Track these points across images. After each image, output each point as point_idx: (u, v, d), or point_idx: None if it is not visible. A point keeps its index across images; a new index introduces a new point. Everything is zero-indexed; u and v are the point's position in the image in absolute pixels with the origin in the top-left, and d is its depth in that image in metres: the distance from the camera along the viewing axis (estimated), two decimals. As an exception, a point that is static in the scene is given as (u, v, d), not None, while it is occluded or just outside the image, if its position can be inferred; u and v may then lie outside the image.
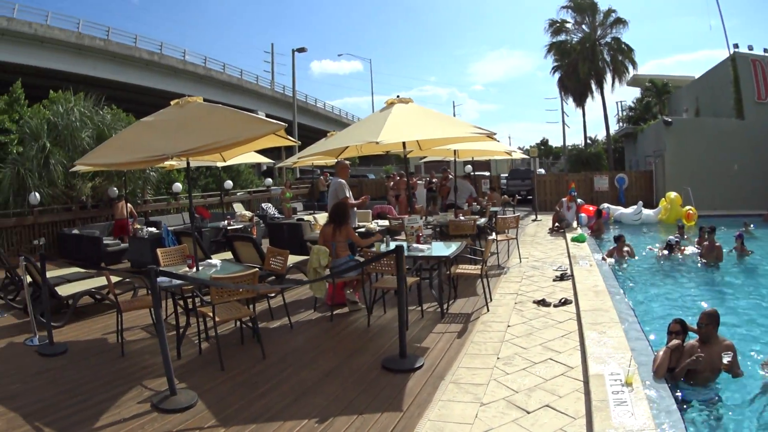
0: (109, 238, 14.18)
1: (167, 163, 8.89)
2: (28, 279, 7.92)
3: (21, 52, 31.51)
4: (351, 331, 7.41)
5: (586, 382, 5.05)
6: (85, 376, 6.03)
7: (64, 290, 8.47)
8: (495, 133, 8.71)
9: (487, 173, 28.90)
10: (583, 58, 43.72)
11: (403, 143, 8.68)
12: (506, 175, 32.93)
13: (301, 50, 40.83)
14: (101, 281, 8.86)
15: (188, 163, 7.68)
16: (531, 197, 24.97)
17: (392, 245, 7.60)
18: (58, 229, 15.15)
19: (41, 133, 15.65)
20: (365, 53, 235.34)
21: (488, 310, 7.96)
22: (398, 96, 9.00)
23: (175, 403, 5.09)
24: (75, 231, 14.32)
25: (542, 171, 31.98)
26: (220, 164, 12.78)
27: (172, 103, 7.28)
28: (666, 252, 12.68)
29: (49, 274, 7.45)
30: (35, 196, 14.21)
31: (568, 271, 10.17)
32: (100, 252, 12.97)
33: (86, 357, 6.72)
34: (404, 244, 7.64)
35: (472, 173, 19.06)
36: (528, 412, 4.61)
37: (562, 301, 8.18)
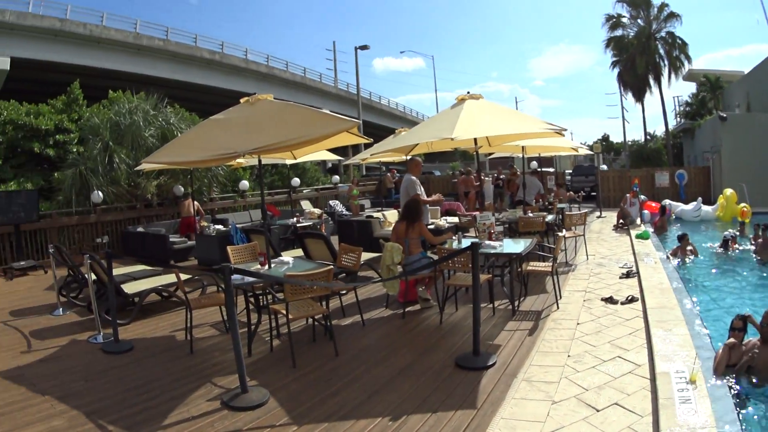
0: (175, 235, 14.46)
1: (235, 160, 9.02)
2: (93, 277, 8.01)
3: (76, 52, 32.66)
4: (423, 329, 7.40)
5: (653, 380, 5.11)
6: (152, 374, 6.03)
7: (129, 288, 8.56)
8: (565, 129, 8.68)
9: (551, 169, 28.71)
10: (640, 53, 44.61)
11: (475, 139, 8.80)
12: (570, 171, 32.94)
13: (364, 48, 41.05)
14: (168, 279, 8.98)
15: (260, 161, 7.74)
16: (595, 193, 24.97)
17: (465, 242, 7.89)
18: (122, 228, 15.55)
19: (104, 133, 16.03)
20: (427, 50, 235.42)
21: (558, 308, 7.99)
22: (468, 92, 9.01)
23: (246, 401, 5.05)
24: (140, 229, 14.68)
25: (605, 167, 31.98)
26: (288, 162, 12.83)
27: (241, 100, 7.32)
28: (722, 249, 12.75)
29: (114, 272, 7.48)
30: (98, 195, 14.59)
31: (634, 269, 10.21)
32: (167, 249, 13.21)
33: (153, 354, 6.75)
34: (476, 240, 7.51)
35: (539, 169, 19.11)
36: (597, 410, 4.64)
37: (629, 298, 8.19)
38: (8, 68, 29.18)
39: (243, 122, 6.88)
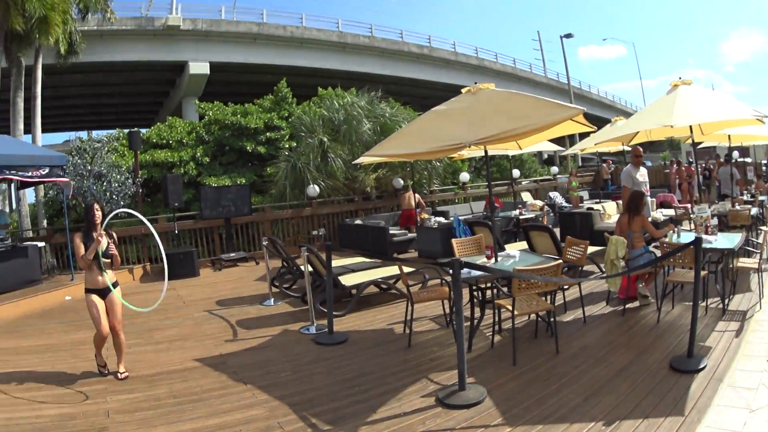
0: (395, 227, 14.76)
1: (458, 152, 9.04)
2: (309, 268, 8.19)
3: (277, 53, 35.03)
4: (641, 327, 7.16)
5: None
6: (365, 367, 6.06)
7: (346, 280, 8.73)
8: (767, 116, 8.40)
9: (749, 159, 26.32)
10: (810, 35, 41.24)
11: (690, 127, 8.74)
12: (765, 161, 29.90)
13: (568, 36, 41.50)
14: (387, 271, 9.06)
15: (486, 152, 7.80)
16: None
17: (684, 236, 7.83)
18: (339, 220, 16.13)
19: (317, 129, 16.75)
20: (626, 37, 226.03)
21: (761, 308, 7.52)
22: (680, 77, 8.91)
23: (462, 399, 4.95)
24: (358, 221, 15.16)
25: (792, 157, 28.91)
26: (511, 153, 12.61)
27: (463, 90, 7.40)
28: None
29: (332, 264, 7.61)
30: (314, 189, 15.33)
31: None
32: (386, 242, 13.43)
33: (368, 347, 6.79)
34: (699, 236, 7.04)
35: (740, 159, 18.83)
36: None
37: None
38: (208, 72, 31.99)
39: (467, 112, 6.98)
